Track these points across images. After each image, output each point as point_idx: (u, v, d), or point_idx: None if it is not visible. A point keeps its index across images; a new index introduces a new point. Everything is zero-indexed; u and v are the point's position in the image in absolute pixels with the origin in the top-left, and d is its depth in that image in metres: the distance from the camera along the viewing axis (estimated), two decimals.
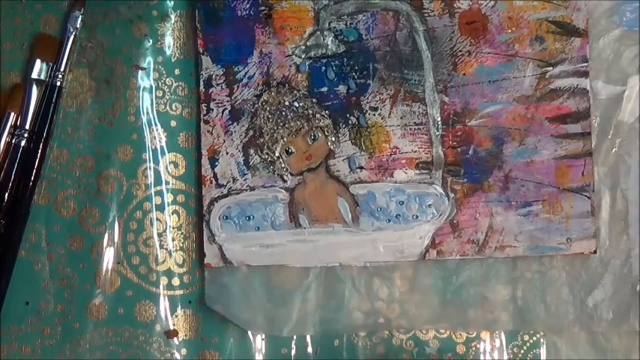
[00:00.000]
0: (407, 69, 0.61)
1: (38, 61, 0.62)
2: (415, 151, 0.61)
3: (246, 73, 0.62)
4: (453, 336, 0.63)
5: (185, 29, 0.63)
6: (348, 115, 0.62)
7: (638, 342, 0.62)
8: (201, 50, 0.62)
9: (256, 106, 0.62)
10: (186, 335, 0.63)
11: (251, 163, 0.62)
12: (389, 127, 0.61)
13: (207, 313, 0.62)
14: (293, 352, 0.63)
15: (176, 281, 0.63)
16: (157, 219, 0.63)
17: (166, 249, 0.63)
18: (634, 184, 0.62)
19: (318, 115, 0.62)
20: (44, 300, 0.63)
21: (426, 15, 0.61)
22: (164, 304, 0.63)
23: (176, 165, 0.63)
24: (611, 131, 0.62)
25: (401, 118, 0.61)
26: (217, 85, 0.62)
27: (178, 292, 0.63)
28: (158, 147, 0.63)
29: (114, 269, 0.63)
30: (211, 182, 0.62)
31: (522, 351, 0.63)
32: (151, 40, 0.63)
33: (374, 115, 0.62)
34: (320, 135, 0.62)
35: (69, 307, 0.63)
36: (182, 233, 0.63)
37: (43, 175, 0.62)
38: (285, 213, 0.62)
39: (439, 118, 0.61)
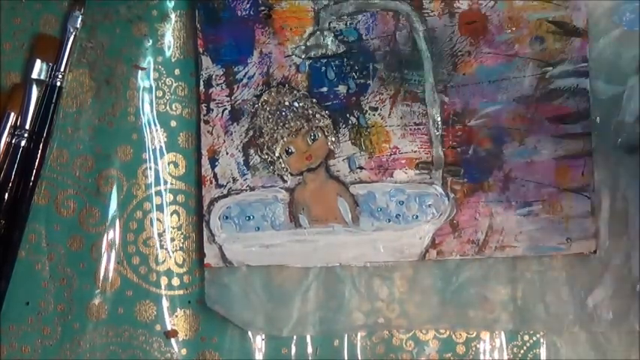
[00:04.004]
0: (407, 69, 0.62)
1: (38, 61, 0.62)
2: (415, 151, 0.61)
3: (246, 73, 0.62)
4: (453, 336, 0.63)
5: (185, 29, 0.63)
6: (348, 115, 0.62)
7: (638, 342, 0.62)
8: (201, 50, 0.62)
9: (256, 106, 0.62)
10: (186, 335, 0.63)
11: (251, 163, 0.62)
12: (389, 127, 0.61)
13: (207, 313, 0.62)
14: (293, 352, 0.63)
15: (176, 281, 0.63)
16: (157, 219, 0.63)
17: (166, 249, 0.63)
18: (634, 184, 0.62)
19: (318, 115, 0.62)
20: (44, 300, 0.63)
21: (425, 15, 0.61)
22: (164, 304, 0.63)
23: (176, 165, 0.63)
24: (611, 131, 0.62)
25: (401, 118, 0.62)
26: (217, 85, 0.62)
27: (178, 292, 0.63)
28: (158, 147, 0.63)
29: (114, 269, 0.63)
30: (211, 182, 0.62)
31: (522, 351, 0.63)
32: (150, 40, 0.63)
33: (374, 115, 0.62)
34: (320, 135, 0.62)
35: (69, 307, 0.63)
36: (182, 233, 0.63)
37: (43, 175, 0.62)
38: (285, 213, 0.62)
39: (439, 118, 0.61)
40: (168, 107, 0.63)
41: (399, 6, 0.61)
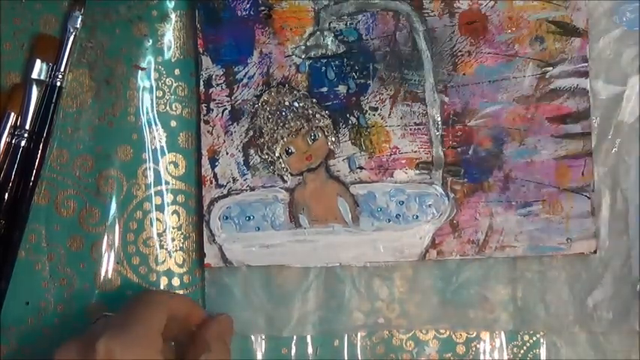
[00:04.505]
0: (407, 69, 0.62)
1: (38, 61, 0.62)
2: (415, 151, 0.61)
3: (246, 73, 0.62)
4: (453, 336, 0.63)
5: (185, 29, 0.63)
6: (348, 115, 0.62)
7: (638, 342, 0.62)
8: (201, 50, 0.62)
9: (256, 106, 0.62)
10: None
11: (251, 163, 0.62)
12: (389, 127, 0.62)
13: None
14: (293, 352, 0.63)
15: (176, 281, 0.63)
16: (157, 219, 0.63)
17: (166, 249, 0.63)
18: (634, 184, 0.62)
19: (318, 115, 0.62)
20: (44, 300, 0.63)
21: (426, 15, 0.61)
22: None
23: (176, 165, 0.63)
24: (611, 131, 0.62)
25: (401, 118, 0.62)
26: (217, 85, 0.62)
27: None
28: (158, 147, 0.63)
29: (114, 269, 0.63)
30: (211, 182, 0.62)
31: (522, 351, 0.63)
32: (150, 40, 0.63)
33: (374, 115, 0.62)
34: (320, 135, 0.62)
35: (69, 307, 0.63)
36: (182, 233, 0.63)
37: (43, 175, 0.62)
38: (285, 213, 0.62)
39: (439, 118, 0.61)
40: (168, 107, 0.63)
41: (399, 6, 0.61)
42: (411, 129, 0.62)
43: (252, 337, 0.63)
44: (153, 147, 0.63)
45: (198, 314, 0.60)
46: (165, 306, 0.56)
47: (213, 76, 0.62)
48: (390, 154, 0.62)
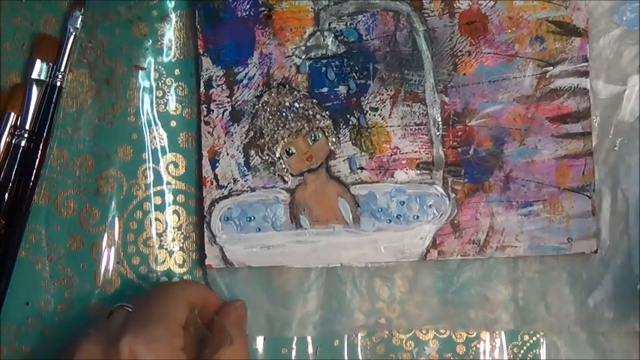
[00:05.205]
0: (407, 69, 0.61)
1: (38, 61, 0.62)
2: (416, 152, 0.61)
3: (246, 74, 0.62)
4: (453, 336, 0.63)
5: (185, 30, 0.63)
6: (348, 116, 0.62)
7: (638, 342, 0.62)
8: (201, 51, 0.62)
9: (257, 107, 0.62)
10: None
11: (252, 164, 0.62)
12: (389, 128, 0.62)
13: None
14: (293, 352, 0.63)
15: None
16: (157, 219, 0.63)
17: (166, 249, 0.63)
18: (634, 183, 0.62)
19: (318, 116, 0.62)
20: (44, 300, 0.63)
21: (426, 15, 0.61)
22: None
23: (176, 165, 0.63)
24: (611, 131, 0.62)
25: (401, 118, 0.62)
26: (217, 86, 0.62)
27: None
28: (158, 147, 0.63)
29: (114, 269, 0.63)
30: (212, 183, 0.62)
31: (522, 351, 0.63)
32: (150, 40, 0.63)
33: (374, 115, 0.62)
34: (320, 136, 0.62)
35: (69, 307, 0.63)
36: (182, 233, 0.63)
37: (43, 175, 0.62)
38: (286, 214, 0.62)
39: (439, 119, 0.61)
40: (168, 107, 0.63)
41: (400, 6, 0.61)
42: (411, 129, 0.62)
43: (253, 337, 0.63)
44: (153, 147, 0.63)
45: (215, 300, 0.60)
46: (184, 298, 0.56)
47: (214, 77, 0.62)
48: (391, 155, 0.62)
